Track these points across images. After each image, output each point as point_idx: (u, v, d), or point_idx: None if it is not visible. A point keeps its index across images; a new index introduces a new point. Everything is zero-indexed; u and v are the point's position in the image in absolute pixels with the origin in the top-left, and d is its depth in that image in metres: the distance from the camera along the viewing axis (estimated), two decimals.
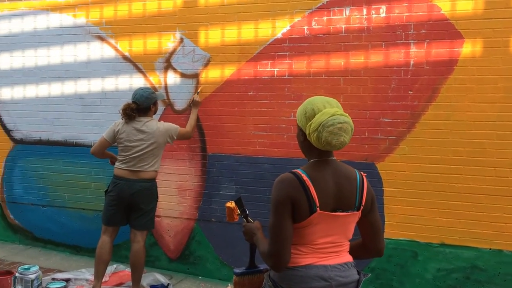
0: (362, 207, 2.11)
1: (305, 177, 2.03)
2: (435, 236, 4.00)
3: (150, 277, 4.40)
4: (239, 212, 2.45)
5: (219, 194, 4.66)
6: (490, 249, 3.85)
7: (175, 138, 4.26)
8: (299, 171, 2.08)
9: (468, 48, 3.84)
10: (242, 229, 2.37)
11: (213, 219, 4.70)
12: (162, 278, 4.42)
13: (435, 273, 4.01)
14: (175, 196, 4.82)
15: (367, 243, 2.22)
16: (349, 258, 2.16)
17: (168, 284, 4.41)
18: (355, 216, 2.12)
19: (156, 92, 4.32)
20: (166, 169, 4.73)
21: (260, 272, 2.40)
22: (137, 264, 4.12)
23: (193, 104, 4.52)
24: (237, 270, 2.44)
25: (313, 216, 2.01)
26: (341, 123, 2.03)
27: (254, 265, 2.45)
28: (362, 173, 2.19)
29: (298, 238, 2.05)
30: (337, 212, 2.05)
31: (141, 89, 4.17)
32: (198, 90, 4.57)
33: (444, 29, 3.89)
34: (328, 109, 2.07)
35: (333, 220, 2.05)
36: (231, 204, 2.52)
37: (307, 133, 2.08)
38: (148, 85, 4.72)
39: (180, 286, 4.51)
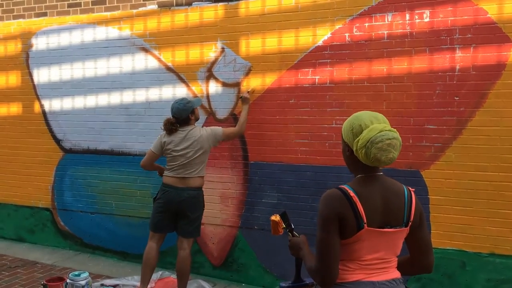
0: (410, 223, 2.07)
1: (352, 194, 2.02)
2: (484, 245, 3.89)
3: (194, 284, 4.47)
4: (284, 226, 2.43)
5: (261, 202, 4.69)
6: None
7: (221, 139, 4.35)
8: (345, 187, 2.06)
9: None
10: (288, 244, 2.36)
11: (255, 227, 4.73)
12: (206, 285, 4.49)
13: (484, 283, 3.89)
14: (218, 204, 4.88)
15: (415, 259, 2.18)
16: (397, 274, 2.12)
17: None
18: (403, 232, 2.09)
19: (192, 100, 4.40)
20: (209, 177, 4.79)
21: (306, 286, 2.40)
22: (183, 271, 4.20)
23: (242, 101, 4.56)
24: (283, 284, 2.46)
25: (361, 232, 1.99)
26: (390, 139, 2.02)
27: (300, 279, 2.45)
28: (410, 188, 2.15)
29: (345, 254, 2.04)
30: (385, 228, 2.03)
31: (176, 102, 4.26)
32: (249, 90, 4.61)
33: (491, 33, 3.78)
34: (376, 124, 2.06)
35: (380, 236, 2.03)
36: (275, 217, 2.53)
37: (354, 149, 2.07)
38: (189, 95, 4.80)
39: None
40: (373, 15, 4.15)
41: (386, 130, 2.04)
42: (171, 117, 4.25)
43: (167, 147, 4.22)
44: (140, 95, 5.18)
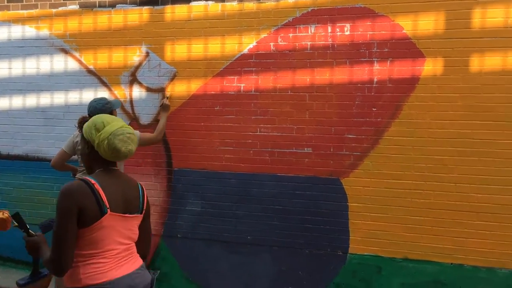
0: (144, 211, 2.44)
1: (93, 182, 2.24)
2: (399, 251, 4.06)
3: None
4: (17, 225, 2.49)
5: (185, 210, 4.61)
6: (452, 263, 3.93)
7: (138, 145, 4.19)
8: (88, 178, 2.29)
9: (429, 67, 3.93)
10: (25, 244, 2.46)
11: (178, 235, 4.64)
12: None
13: (398, 287, 4.05)
14: None
15: (139, 246, 2.46)
16: (141, 261, 2.45)
17: None
18: (139, 218, 2.42)
19: (112, 101, 4.25)
20: None
21: (44, 278, 2.55)
22: None
23: (162, 108, 4.47)
24: (20, 282, 2.51)
25: (104, 217, 2.22)
26: (129, 133, 2.36)
27: (37, 273, 2.56)
28: (140, 183, 2.52)
29: (91, 245, 2.22)
30: (126, 214, 2.32)
31: (94, 101, 4.10)
32: (167, 96, 4.52)
33: (406, 48, 3.98)
34: (116, 122, 2.37)
35: (123, 221, 2.30)
36: (3, 214, 2.67)
37: (96, 143, 2.32)
38: (106, 97, 4.64)
39: None
40: (297, 26, 4.24)
41: (125, 127, 2.38)
42: (87, 116, 4.07)
43: (79, 146, 4.04)
44: (58, 98, 4.93)
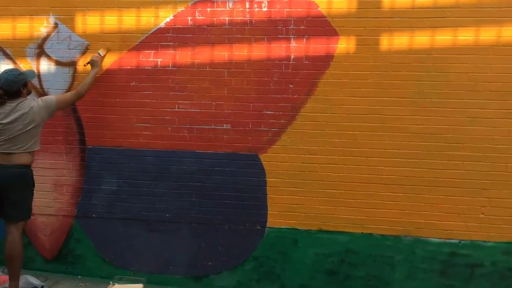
0: None
1: None
2: (314, 223, 4.21)
3: (22, 280, 4.06)
4: None
5: (100, 189, 4.44)
6: (362, 233, 4.15)
7: (56, 109, 4.01)
8: None
9: (342, 45, 4.06)
10: None
11: (93, 215, 4.47)
12: (34, 280, 4.12)
13: (313, 258, 4.21)
14: (51, 192, 4.50)
15: None
16: None
17: (43, 286, 4.13)
18: None
19: (25, 72, 3.99)
20: (40, 163, 4.38)
21: None
22: (13, 256, 3.81)
23: (91, 64, 4.20)
24: None
25: None
26: None
27: None
28: None
29: None
30: None
31: (5, 72, 3.84)
32: (100, 51, 4.26)
33: (321, 26, 4.07)
34: None
35: None
36: None
37: None
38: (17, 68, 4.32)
39: (57, 287, 4.24)
40: (215, 0, 4.18)
41: None
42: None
43: None
44: None
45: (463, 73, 3.93)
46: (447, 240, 4.03)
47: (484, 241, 3.97)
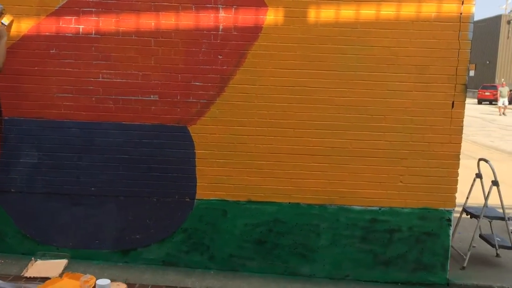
0: None
1: None
2: (243, 194, 4.25)
3: None
4: None
5: (19, 162, 4.22)
6: (290, 203, 4.25)
7: None
8: None
9: (271, 16, 4.06)
10: None
11: (12, 190, 4.25)
12: None
13: (242, 228, 4.28)
14: None
15: None
16: None
17: None
18: None
19: None
20: None
21: None
22: None
23: None
24: None
25: None
26: None
27: None
28: None
29: None
30: None
31: None
32: (2, 21, 3.96)
33: None
34: None
35: None
36: None
37: None
38: None
39: None
40: None
41: None
42: None
43: None
44: None
45: (385, 47, 4.07)
46: (369, 208, 4.22)
47: (402, 208, 4.21)
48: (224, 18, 4.07)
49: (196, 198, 4.26)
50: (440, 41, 4.04)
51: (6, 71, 4.08)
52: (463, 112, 4.12)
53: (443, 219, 4.20)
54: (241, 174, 4.23)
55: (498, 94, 28.11)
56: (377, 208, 4.22)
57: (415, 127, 4.14)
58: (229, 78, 4.14)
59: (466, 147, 13.33)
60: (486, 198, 4.69)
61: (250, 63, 4.12)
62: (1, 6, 4.02)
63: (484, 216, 4.69)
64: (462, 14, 4.00)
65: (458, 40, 4.02)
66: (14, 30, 4.08)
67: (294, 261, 4.29)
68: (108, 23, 4.08)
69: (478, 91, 38.73)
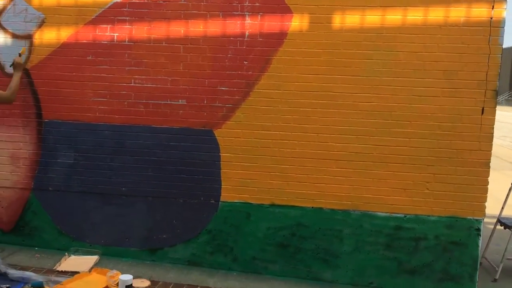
0: None
1: None
2: (266, 197, 4.31)
3: None
4: None
5: (57, 162, 4.49)
6: (313, 207, 4.26)
7: None
8: None
9: (296, 23, 4.12)
10: None
11: (50, 188, 4.52)
12: None
13: (265, 231, 4.33)
14: (8, 165, 4.54)
15: None
16: None
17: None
18: None
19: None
20: None
21: None
22: None
23: (14, 66, 4.16)
24: None
25: None
26: None
27: None
28: None
29: None
30: None
31: None
32: (20, 51, 4.25)
33: (276, 3, 4.12)
34: None
35: None
36: None
37: None
38: None
39: (13, 258, 4.29)
40: None
41: None
42: None
43: None
44: None
45: (412, 52, 4.02)
46: (393, 214, 4.16)
47: (428, 216, 4.12)
48: (250, 25, 4.17)
49: (221, 200, 4.36)
50: (469, 46, 3.94)
51: (46, 76, 4.38)
52: (494, 119, 3.99)
53: (472, 228, 4.06)
54: (264, 178, 4.29)
55: None
56: (402, 215, 4.15)
57: (443, 133, 4.04)
58: (254, 83, 4.22)
59: (510, 155, 12.82)
60: None
61: (275, 69, 4.19)
62: (43, 15, 4.31)
63: None
64: (493, 18, 3.89)
65: (488, 45, 3.91)
66: (54, 38, 4.36)
67: (317, 266, 4.29)
68: (140, 31, 4.28)
69: None
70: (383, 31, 4.03)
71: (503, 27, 3.89)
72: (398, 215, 4.16)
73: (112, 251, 4.48)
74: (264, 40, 4.18)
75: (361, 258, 4.23)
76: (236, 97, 4.26)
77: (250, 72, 4.22)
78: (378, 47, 4.05)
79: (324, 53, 4.12)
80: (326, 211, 4.25)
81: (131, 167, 4.42)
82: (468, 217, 4.06)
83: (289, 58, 4.16)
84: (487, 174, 4.02)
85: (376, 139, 4.12)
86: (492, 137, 4.01)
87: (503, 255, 4.47)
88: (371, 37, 4.05)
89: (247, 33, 4.19)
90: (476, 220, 4.06)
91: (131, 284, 3.64)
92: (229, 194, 4.34)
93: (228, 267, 4.39)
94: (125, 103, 4.37)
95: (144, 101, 4.34)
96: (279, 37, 4.16)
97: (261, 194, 4.31)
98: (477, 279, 4.11)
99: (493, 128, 4.00)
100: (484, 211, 4.06)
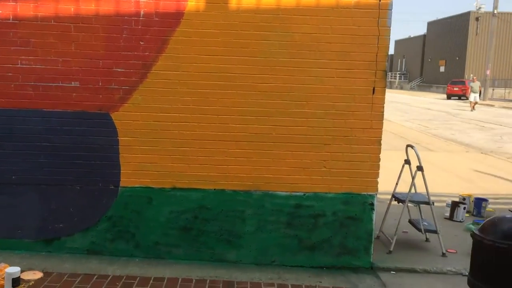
0: None
1: None
2: (167, 181, 4.23)
3: None
4: None
5: None
6: (215, 189, 4.25)
7: None
8: None
9: (192, 2, 4.05)
10: None
11: None
12: None
13: (167, 215, 4.26)
14: None
15: None
16: None
17: None
18: None
19: None
20: None
21: None
22: None
23: None
24: None
25: None
26: None
27: None
28: None
29: None
30: None
31: None
32: None
33: None
34: None
35: None
36: None
37: None
38: None
39: None
40: None
41: None
42: None
43: None
44: None
45: (306, 33, 4.10)
46: (293, 193, 4.25)
47: (326, 193, 4.25)
48: (145, 3, 4.04)
49: (121, 185, 4.23)
50: (360, 27, 4.08)
51: None
52: (384, 98, 4.18)
53: (366, 203, 4.25)
54: (165, 161, 4.21)
55: (469, 90, 28.33)
56: (302, 194, 4.26)
57: (338, 112, 4.18)
58: (152, 64, 4.11)
59: (425, 140, 13.69)
60: (412, 183, 4.77)
61: (173, 49, 4.10)
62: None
63: (410, 201, 4.77)
64: (381, 1, 4.05)
65: (378, 27, 4.08)
66: None
67: (220, 247, 4.30)
68: (26, 8, 4.01)
69: (447, 86, 39.43)
70: (279, 12, 4.07)
71: (391, 10, 4.07)
72: (298, 193, 4.26)
73: (4, 244, 4.21)
74: (161, 20, 4.07)
75: (263, 237, 4.29)
76: (133, 79, 4.13)
77: (146, 53, 4.10)
78: (275, 28, 4.08)
79: (221, 33, 4.09)
80: (228, 192, 4.25)
81: (20, 153, 4.15)
82: (363, 193, 4.25)
83: (186, 38, 4.09)
84: (378, 151, 4.22)
85: (274, 119, 4.18)
86: (382, 115, 4.20)
87: (397, 228, 4.73)
88: (268, 18, 4.07)
89: (142, 12, 4.06)
90: (370, 195, 4.25)
91: (19, 277, 3.44)
92: (129, 179, 4.22)
93: (130, 254, 4.28)
94: (12, 85, 4.09)
95: (32, 83, 4.09)
96: (176, 17, 4.07)
97: (162, 177, 4.23)
98: (372, 252, 4.32)
99: (383, 107, 4.18)
100: (377, 186, 4.26)
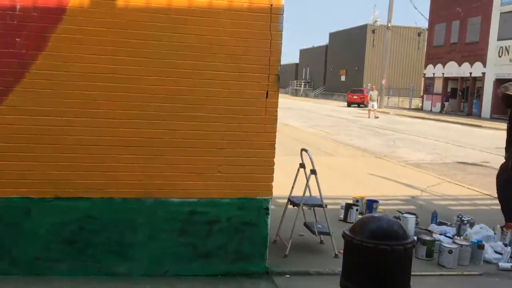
0: None
1: None
2: (49, 190, 3.90)
3: None
4: None
5: None
6: (103, 198, 3.99)
7: None
8: None
9: None
10: None
11: None
12: None
13: (49, 227, 3.92)
14: None
15: None
16: None
17: None
18: None
19: None
20: None
21: None
22: None
23: None
24: None
25: None
26: None
27: None
28: None
29: None
30: None
31: None
32: None
33: None
34: None
35: None
36: None
37: None
38: None
39: None
40: None
41: None
42: None
43: None
44: None
45: (200, 35, 4.00)
46: (187, 199, 4.11)
47: (221, 198, 4.16)
48: None
49: None
50: (252, 31, 4.07)
51: None
52: (277, 102, 4.20)
53: (261, 208, 4.23)
54: (46, 169, 3.87)
55: (368, 98, 29.79)
56: (196, 200, 4.13)
57: (232, 116, 4.12)
58: (30, 63, 3.78)
59: (326, 145, 14.21)
60: (305, 186, 4.84)
61: (55, 48, 3.80)
62: None
63: (304, 204, 4.85)
64: (273, 5, 4.07)
65: (270, 31, 4.09)
66: None
67: (110, 260, 4.03)
68: None
69: (348, 94, 41.56)
70: (170, 12, 3.93)
71: (282, 14, 4.10)
72: (192, 200, 4.12)
73: None
74: (40, 15, 3.75)
75: (156, 247, 4.10)
76: (9, 79, 3.76)
77: (24, 51, 3.76)
78: (166, 29, 3.94)
79: (109, 32, 3.86)
80: (118, 200, 4.01)
81: None
82: (258, 197, 4.22)
83: (70, 36, 3.81)
84: (273, 155, 4.22)
85: (167, 123, 4.02)
86: (276, 120, 4.21)
87: (292, 231, 4.77)
88: (158, 17, 3.92)
89: (18, 7, 3.71)
90: (265, 199, 4.23)
91: None
92: (4, 189, 3.83)
93: (5, 271, 3.87)
94: None
95: None
96: (57, 13, 3.77)
97: (42, 186, 3.88)
98: (268, 256, 4.30)
99: (276, 111, 4.20)
100: (271, 190, 4.25)
